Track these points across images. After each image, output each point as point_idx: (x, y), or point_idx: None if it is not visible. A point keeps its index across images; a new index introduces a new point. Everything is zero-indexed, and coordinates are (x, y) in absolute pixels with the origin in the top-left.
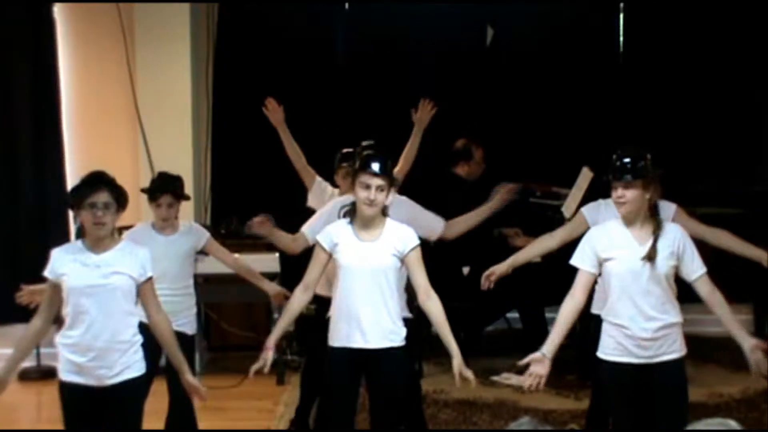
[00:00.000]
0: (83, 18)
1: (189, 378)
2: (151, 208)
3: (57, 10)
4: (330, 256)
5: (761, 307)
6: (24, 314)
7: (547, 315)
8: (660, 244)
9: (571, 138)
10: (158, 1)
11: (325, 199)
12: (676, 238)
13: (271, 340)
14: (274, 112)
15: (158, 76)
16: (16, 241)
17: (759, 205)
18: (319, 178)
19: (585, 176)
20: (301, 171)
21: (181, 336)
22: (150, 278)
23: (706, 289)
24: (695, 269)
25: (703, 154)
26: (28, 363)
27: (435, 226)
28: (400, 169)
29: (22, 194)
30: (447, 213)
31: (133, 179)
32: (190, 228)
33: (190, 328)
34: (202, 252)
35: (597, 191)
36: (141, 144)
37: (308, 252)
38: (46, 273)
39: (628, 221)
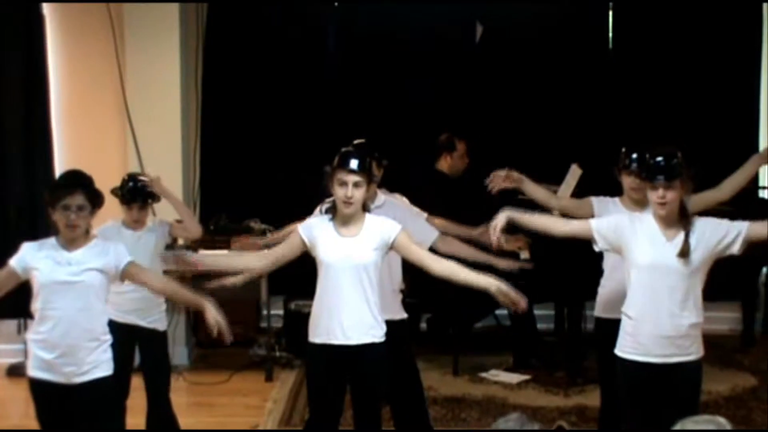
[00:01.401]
0: (72, 16)
1: (210, 316)
2: (122, 208)
3: (46, 7)
4: (303, 245)
5: (749, 305)
6: (15, 309)
7: (536, 312)
8: (691, 240)
9: (561, 135)
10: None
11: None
12: (705, 232)
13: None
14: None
15: (148, 74)
16: (5, 237)
17: (747, 202)
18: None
19: (574, 173)
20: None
21: (152, 333)
22: (130, 262)
23: (754, 232)
24: (738, 236)
25: (693, 151)
26: (17, 359)
27: (427, 236)
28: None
29: (11, 191)
30: (429, 209)
31: (123, 176)
32: (156, 224)
33: (161, 324)
34: (174, 245)
35: (586, 188)
36: (130, 141)
37: (301, 257)
38: (12, 261)
39: (666, 221)
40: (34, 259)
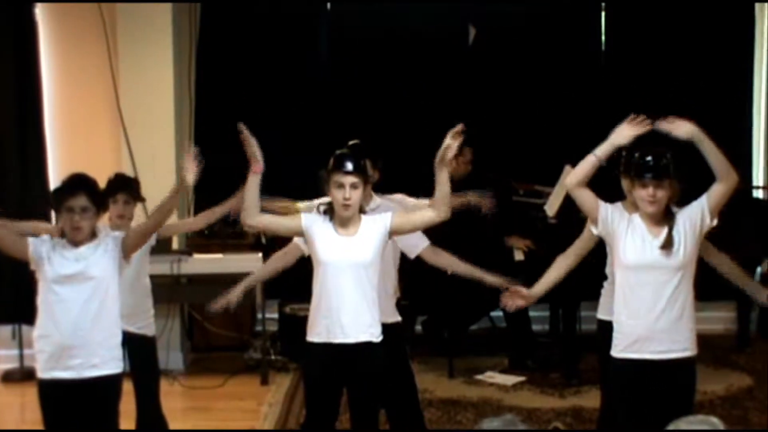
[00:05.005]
0: (65, 18)
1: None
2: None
3: (39, 10)
4: (299, 232)
5: (744, 305)
6: (9, 314)
7: (531, 314)
8: (674, 233)
9: (554, 137)
10: (140, 0)
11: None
12: (684, 223)
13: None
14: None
15: (141, 75)
16: None
17: (742, 204)
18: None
19: (567, 175)
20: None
21: (141, 338)
22: (123, 234)
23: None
24: (704, 208)
25: (685, 154)
26: (11, 365)
27: (417, 244)
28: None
29: (5, 195)
30: None
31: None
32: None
33: (149, 330)
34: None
35: None
36: (123, 143)
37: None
38: (30, 238)
39: (653, 220)
40: (47, 250)
